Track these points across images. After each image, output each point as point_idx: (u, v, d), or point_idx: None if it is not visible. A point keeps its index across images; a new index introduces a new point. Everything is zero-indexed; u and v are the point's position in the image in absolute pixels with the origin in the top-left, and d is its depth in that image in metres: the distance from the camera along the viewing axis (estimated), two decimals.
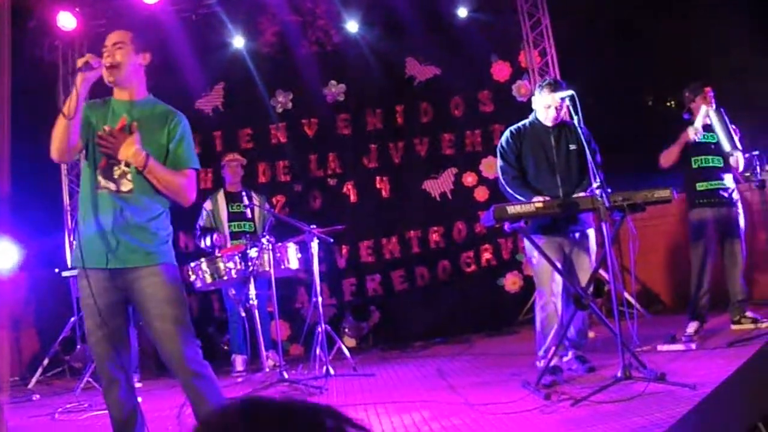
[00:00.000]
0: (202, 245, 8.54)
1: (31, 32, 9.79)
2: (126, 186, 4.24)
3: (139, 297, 4.22)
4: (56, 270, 8.46)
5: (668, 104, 9.43)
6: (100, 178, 4.25)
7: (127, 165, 4.24)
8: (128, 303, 4.31)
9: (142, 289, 4.21)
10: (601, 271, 6.88)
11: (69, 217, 10.11)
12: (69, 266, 9.16)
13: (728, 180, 7.51)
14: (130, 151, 4.16)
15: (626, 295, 8.05)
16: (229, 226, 8.68)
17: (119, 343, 4.23)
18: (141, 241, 4.23)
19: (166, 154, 4.35)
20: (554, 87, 6.33)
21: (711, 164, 7.48)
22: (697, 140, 7.33)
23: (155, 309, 4.19)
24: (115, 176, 4.25)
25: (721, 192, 7.46)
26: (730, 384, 2.89)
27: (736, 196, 7.55)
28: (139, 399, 4.47)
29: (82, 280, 4.25)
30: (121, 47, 4.31)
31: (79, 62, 4.11)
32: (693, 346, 6.72)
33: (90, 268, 4.20)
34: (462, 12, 10.32)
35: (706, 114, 7.32)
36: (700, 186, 7.47)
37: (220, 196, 8.79)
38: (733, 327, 7.44)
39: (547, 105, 6.33)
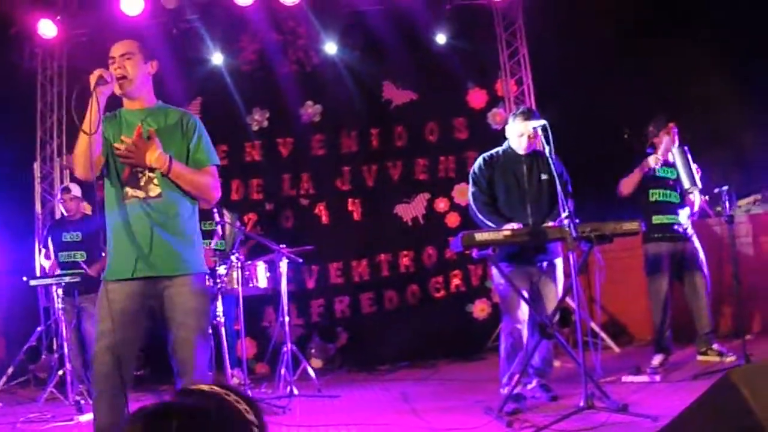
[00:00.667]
0: None
1: (11, 39, 9.76)
2: (154, 191, 4.28)
3: (167, 305, 4.23)
4: (24, 278, 8.40)
5: (625, 135, 9.48)
6: (127, 188, 4.29)
7: (152, 170, 4.27)
8: (150, 312, 4.30)
9: (170, 297, 4.23)
10: (569, 301, 6.90)
11: (40, 224, 10.06)
12: (37, 275, 9.12)
13: (683, 215, 7.58)
14: (153, 156, 4.19)
15: (592, 325, 8.08)
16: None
17: (126, 354, 4.19)
18: (174, 245, 4.28)
19: (186, 155, 4.38)
20: (527, 116, 6.37)
21: (668, 199, 7.55)
22: (656, 168, 7.39)
23: (180, 318, 4.21)
24: (142, 183, 4.28)
25: (676, 227, 7.52)
26: (687, 415, 2.91)
27: (690, 231, 7.63)
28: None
29: (109, 287, 4.22)
30: (129, 57, 4.33)
31: (93, 78, 4.10)
32: (657, 378, 6.75)
33: (121, 280, 4.21)
34: (440, 38, 10.37)
35: (668, 147, 7.39)
36: (656, 219, 7.52)
37: None
38: (699, 358, 7.49)
39: (519, 133, 6.37)
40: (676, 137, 7.49)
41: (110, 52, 4.35)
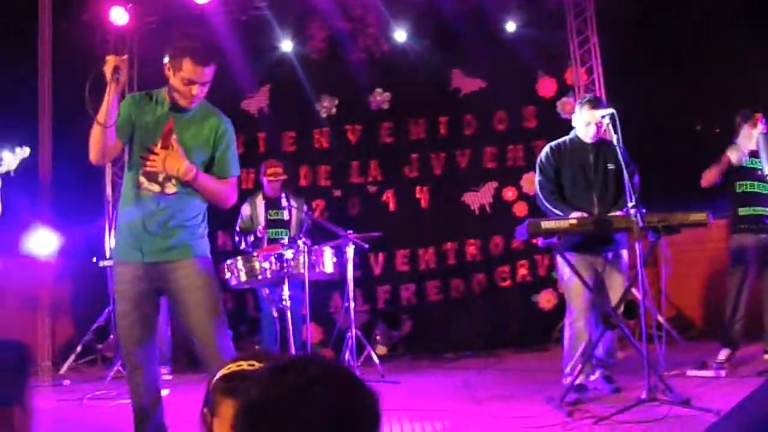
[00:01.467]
0: (242, 247, 8.57)
1: (83, 25, 9.93)
2: (170, 189, 4.35)
3: (175, 288, 4.33)
4: (94, 259, 8.57)
5: (716, 130, 9.28)
6: (143, 179, 4.35)
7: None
8: (160, 293, 4.41)
9: (177, 280, 4.32)
10: (635, 292, 6.82)
11: (110, 207, 10.23)
12: (107, 256, 9.29)
13: None
14: (179, 167, 4.24)
15: (658, 317, 7.98)
16: (267, 233, 8.70)
17: (147, 331, 4.34)
18: (179, 238, 4.35)
19: (210, 159, 4.44)
20: (594, 104, 6.31)
21: (755, 190, 7.34)
22: (740, 164, 7.23)
23: (190, 299, 4.30)
24: (160, 179, 4.34)
25: (765, 219, 7.35)
26: (750, 400, 2.87)
27: None
28: (166, 391, 4.54)
29: (117, 267, 4.36)
30: (209, 83, 4.36)
31: (108, 70, 4.13)
32: (723, 373, 6.66)
33: (128, 262, 4.29)
34: (510, 26, 10.28)
35: (753, 138, 7.22)
36: (743, 211, 7.34)
37: (259, 201, 8.77)
38: (766, 357, 7.34)
39: (586, 122, 6.31)
40: (764, 126, 7.31)
41: (196, 73, 4.28)
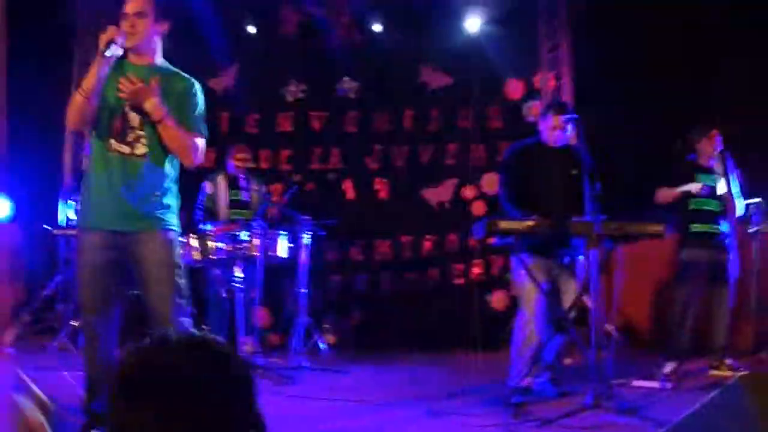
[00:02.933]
0: (206, 228, 8.48)
1: None
2: (140, 150, 4.30)
3: (139, 259, 4.28)
4: (45, 226, 8.45)
5: (677, 145, 9.32)
6: (112, 141, 4.30)
7: (141, 129, 4.28)
8: (124, 265, 4.34)
9: (141, 252, 4.27)
10: (587, 299, 6.85)
11: (66, 175, 10.10)
12: (59, 224, 9.17)
13: (724, 225, 7.44)
14: (151, 102, 4.20)
15: (608, 325, 8.01)
16: (229, 213, 8.63)
17: (107, 302, 4.28)
18: (148, 206, 4.30)
19: (181, 119, 4.37)
20: (560, 109, 6.33)
21: (708, 207, 7.40)
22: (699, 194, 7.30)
23: (153, 272, 4.26)
24: (129, 139, 4.30)
25: (716, 236, 7.40)
26: (695, 416, 2.89)
27: (729, 242, 7.48)
28: None
29: (81, 234, 4.30)
30: (142, 16, 4.33)
31: (103, 41, 4.14)
32: (668, 385, 6.70)
33: (93, 229, 4.23)
34: (482, 26, 10.27)
35: (711, 156, 7.29)
36: (695, 227, 7.39)
37: (221, 179, 8.70)
38: (712, 372, 7.40)
39: (551, 126, 6.31)
40: (719, 145, 7.37)
41: (124, 8, 4.35)
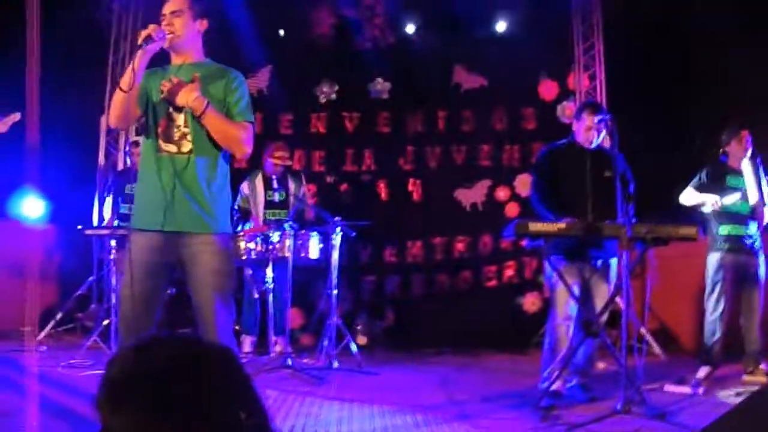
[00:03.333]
0: (238, 229, 8.52)
1: None
2: (186, 147, 4.33)
3: (189, 262, 4.30)
4: (79, 227, 8.52)
5: (696, 142, 9.21)
6: (161, 141, 4.35)
7: (186, 126, 4.32)
8: (173, 267, 4.39)
9: (193, 255, 4.28)
10: (619, 302, 6.79)
11: (101, 176, 10.21)
12: (94, 225, 9.26)
13: (753, 227, 7.33)
14: (190, 97, 4.23)
15: (641, 329, 7.94)
16: (265, 214, 8.67)
17: (149, 304, 4.31)
18: (200, 204, 4.31)
19: (226, 110, 4.40)
20: (594, 109, 6.26)
21: (736, 209, 7.32)
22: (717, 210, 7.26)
23: (202, 277, 4.27)
24: (176, 138, 4.34)
25: (744, 239, 7.31)
26: (724, 421, 2.85)
27: (758, 245, 7.36)
28: None
29: (132, 236, 4.36)
30: (179, 15, 4.38)
31: (141, 36, 4.19)
32: (701, 390, 6.61)
33: (144, 229, 4.27)
34: (515, 27, 10.23)
35: (742, 159, 7.22)
36: (723, 230, 7.31)
37: (258, 181, 8.75)
38: (746, 378, 7.29)
39: (585, 127, 6.24)
40: (749, 146, 7.29)
41: (162, 9, 4.42)
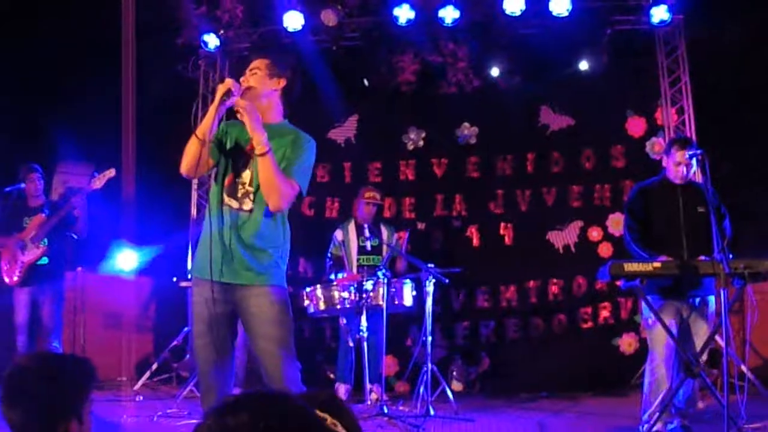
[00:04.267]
0: (332, 277, 8.59)
1: (177, 49, 10.16)
2: (247, 205, 4.44)
3: (246, 314, 4.39)
4: (174, 279, 8.70)
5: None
6: (224, 195, 4.47)
7: (251, 185, 4.42)
8: (235, 317, 4.48)
9: (249, 307, 4.37)
10: (719, 340, 6.63)
11: (193, 228, 10.42)
12: (188, 276, 9.44)
13: None
14: (259, 137, 4.29)
15: (742, 367, 7.73)
16: (358, 260, 8.74)
17: (222, 353, 4.40)
18: (255, 259, 4.40)
19: (282, 163, 4.47)
20: (684, 144, 6.18)
21: None
22: None
23: (260, 328, 4.34)
24: (239, 195, 4.46)
25: None
26: None
27: None
28: None
29: (194, 286, 4.43)
30: (255, 73, 4.54)
31: (220, 90, 4.30)
32: None
33: (204, 279, 4.34)
34: (600, 64, 10.14)
35: None
36: None
37: (351, 228, 8.87)
38: None
39: (675, 162, 6.17)
40: None
41: (251, 65, 4.62)
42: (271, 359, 4.30)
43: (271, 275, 4.43)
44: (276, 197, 4.39)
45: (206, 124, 4.26)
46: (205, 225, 4.54)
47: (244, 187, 4.44)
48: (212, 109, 4.29)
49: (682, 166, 6.17)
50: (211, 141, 4.35)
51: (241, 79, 4.50)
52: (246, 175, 4.45)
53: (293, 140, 4.51)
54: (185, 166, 4.42)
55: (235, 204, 4.43)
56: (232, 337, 4.48)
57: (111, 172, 7.55)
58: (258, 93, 4.50)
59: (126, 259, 9.73)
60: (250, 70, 4.56)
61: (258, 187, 4.39)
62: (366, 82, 10.50)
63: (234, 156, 4.50)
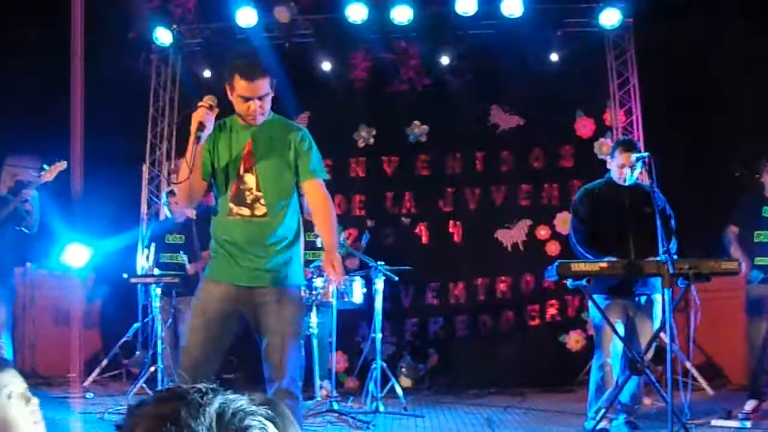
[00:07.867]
0: None
1: (129, 43, 10.10)
2: (260, 210, 4.42)
3: (261, 312, 4.38)
4: (125, 275, 8.65)
5: (736, 174, 9.12)
6: (231, 205, 4.43)
7: (259, 189, 4.41)
8: (241, 318, 4.48)
9: (265, 306, 4.37)
10: (664, 338, 6.74)
11: (144, 225, 10.36)
12: (137, 273, 9.39)
13: None
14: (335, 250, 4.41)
15: (686, 364, 7.87)
16: (304, 255, 8.72)
17: (212, 352, 4.38)
18: (273, 264, 4.42)
19: (295, 168, 4.49)
20: (628, 147, 6.26)
21: None
22: (763, 209, 7.18)
23: (274, 324, 4.35)
24: (248, 201, 4.42)
25: None
26: None
27: None
28: None
29: (206, 284, 4.47)
30: (265, 97, 4.41)
31: (194, 122, 4.21)
32: (748, 424, 6.55)
33: (219, 281, 4.40)
34: (550, 65, 10.24)
35: None
36: (759, 261, 7.21)
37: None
38: None
39: (619, 164, 6.26)
40: None
41: (248, 89, 4.34)
42: (278, 354, 4.30)
43: (288, 276, 4.45)
44: (334, 215, 4.62)
45: (190, 160, 4.20)
46: (216, 232, 4.52)
47: (251, 193, 4.41)
48: (190, 146, 4.20)
49: (626, 168, 6.24)
50: (199, 167, 4.29)
51: (256, 106, 4.36)
52: (250, 179, 4.42)
53: (292, 142, 4.49)
54: (180, 198, 4.60)
55: (246, 212, 4.40)
56: (226, 339, 4.46)
57: (62, 165, 7.45)
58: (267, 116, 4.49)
59: (75, 255, 9.65)
60: (261, 97, 4.35)
61: (266, 190, 4.39)
62: (323, 76, 10.46)
63: (230, 166, 4.44)
